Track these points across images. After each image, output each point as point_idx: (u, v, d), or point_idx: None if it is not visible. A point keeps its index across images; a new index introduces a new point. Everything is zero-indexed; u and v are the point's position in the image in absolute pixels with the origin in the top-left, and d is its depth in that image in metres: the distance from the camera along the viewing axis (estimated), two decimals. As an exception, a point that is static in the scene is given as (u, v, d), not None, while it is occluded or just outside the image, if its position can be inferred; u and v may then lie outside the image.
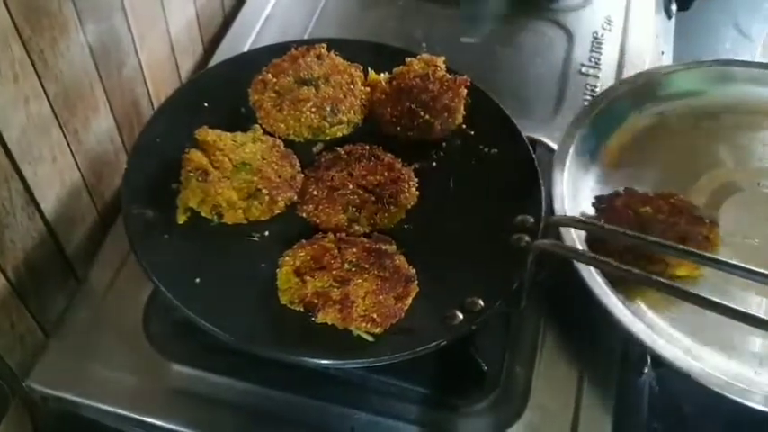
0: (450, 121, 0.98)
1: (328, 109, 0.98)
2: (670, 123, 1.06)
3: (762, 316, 0.66)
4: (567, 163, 0.97)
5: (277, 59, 1.02)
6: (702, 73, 1.08)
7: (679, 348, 0.82)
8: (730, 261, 0.69)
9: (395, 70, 1.01)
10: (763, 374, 0.82)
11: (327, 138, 0.99)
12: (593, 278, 0.84)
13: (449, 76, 0.99)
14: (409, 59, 1.02)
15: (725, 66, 1.09)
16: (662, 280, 0.68)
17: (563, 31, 1.27)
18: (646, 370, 0.94)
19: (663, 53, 1.25)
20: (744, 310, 0.65)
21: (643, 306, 0.87)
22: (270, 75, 1.00)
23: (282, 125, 0.97)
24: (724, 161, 1.02)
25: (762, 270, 0.68)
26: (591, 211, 0.93)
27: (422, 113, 0.96)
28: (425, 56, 1.02)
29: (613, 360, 0.91)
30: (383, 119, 0.99)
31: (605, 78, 1.18)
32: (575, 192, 0.95)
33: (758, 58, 1.36)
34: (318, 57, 1.03)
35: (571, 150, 0.98)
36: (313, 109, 0.98)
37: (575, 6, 1.31)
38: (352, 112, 1.00)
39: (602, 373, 0.90)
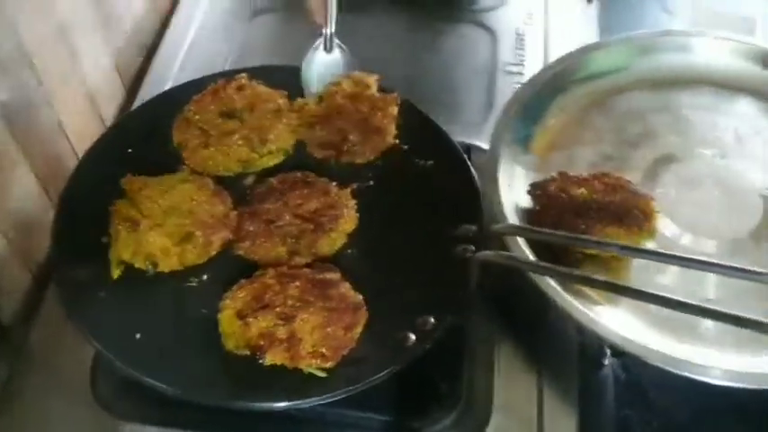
0: (380, 142, 0.96)
1: (256, 139, 0.96)
2: (598, 102, 1.05)
3: (696, 303, 0.66)
4: (501, 158, 0.95)
5: (198, 95, 1.00)
6: (624, 48, 1.08)
7: (632, 334, 0.81)
8: (656, 250, 0.69)
9: (324, 90, 0.99)
10: (716, 351, 0.82)
11: (258, 169, 0.97)
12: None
13: (378, 95, 0.98)
14: (339, 79, 1.00)
15: (646, 38, 1.09)
16: (602, 279, 0.67)
17: (485, 32, 1.26)
18: (606, 361, 0.94)
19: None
20: (684, 300, 0.65)
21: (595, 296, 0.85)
22: (192, 112, 0.98)
23: (210, 162, 0.95)
24: (657, 133, 1.01)
25: (685, 255, 0.69)
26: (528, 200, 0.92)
27: (351, 137, 0.94)
28: (356, 74, 1.00)
29: (571, 354, 0.91)
30: (312, 143, 0.97)
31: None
32: (511, 182, 0.94)
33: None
34: (240, 88, 1.01)
35: (503, 144, 0.96)
36: (240, 141, 0.96)
37: (494, 5, 1.30)
38: (281, 139, 0.98)
39: (562, 369, 0.90)
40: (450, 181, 0.94)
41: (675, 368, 0.78)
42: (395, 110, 0.97)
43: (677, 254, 0.68)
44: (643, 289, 0.66)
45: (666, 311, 0.77)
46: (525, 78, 1.17)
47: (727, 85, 1.06)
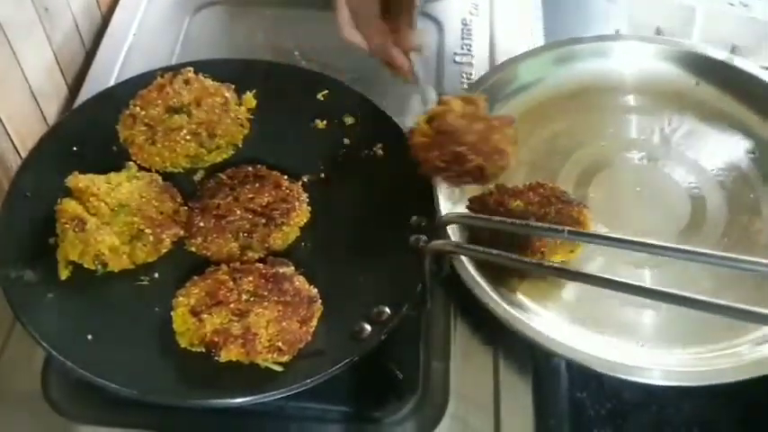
0: (501, 164, 0.88)
1: (204, 134, 0.95)
2: (529, 114, 1.05)
3: (647, 285, 0.67)
4: None
5: (143, 90, 0.98)
6: (544, 58, 1.08)
7: (562, 336, 0.82)
8: (599, 233, 0.71)
9: (433, 110, 0.92)
10: (648, 347, 0.84)
11: (207, 164, 0.96)
12: (474, 279, 0.84)
13: (494, 116, 0.92)
14: (447, 98, 0.93)
15: (563, 46, 1.09)
16: (555, 265, 0.68)
17: (432, 22, 1.26)
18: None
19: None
20: (632, 282, 0.67)
21: (522, 297, 0.87)
22: (138, 107, 0.96)
23: (158, 158, 0.94)
24: (585, 140, 1.02)
25: (629, 237, 0.70)
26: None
27: (471, 157, 0.86)
28: (466, 95, 0.95)
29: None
30: (429, 164, 0.88)
31: (479, 65, 1.18)
32: (452, 196, 0.94)
33: (625, 26, 1.39)
34: (186, 82, 0.99)
35: None
36: (188, 137, 0.94)
37: (440, -4, 1.31)
38: (229, 133, 0.97)
39: (516, 354, 0.90)
40: (402, 171, 0.94)
41: (605, 369, 0.79)
42: (511, 131, 0.90)
43: (626, 237, 0.69)
44: (590, 273, 0.67)
45: (592, 308, 0.79)
46: (472, 68, 1.19)
47: (649, 89, 1.07)
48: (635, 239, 0.70)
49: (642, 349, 0.83)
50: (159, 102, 0.96)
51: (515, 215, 0.86)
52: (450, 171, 0.86)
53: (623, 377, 0.77)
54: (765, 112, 1.02)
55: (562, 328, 0.84)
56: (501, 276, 0.86)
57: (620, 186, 0.97)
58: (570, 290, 0.87)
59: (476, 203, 0.90)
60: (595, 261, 0.89)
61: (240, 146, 0.98)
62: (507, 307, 0.81)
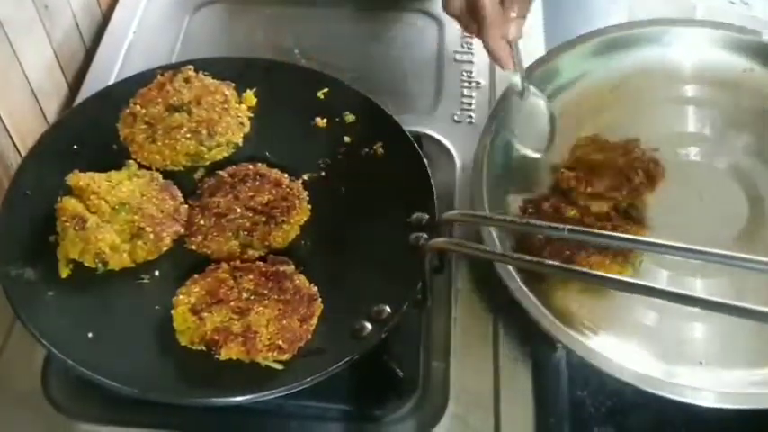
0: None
1: (204, 133, 0.95)
2: (572, 109, 1.00)
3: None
4: (485, 173, 0.92)
5: (143, 89, 0.98)
6: (586, 50, 1.03)
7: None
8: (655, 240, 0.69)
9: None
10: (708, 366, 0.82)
11: (208, 162, 0.96)
12: (509, 274, 0.82)
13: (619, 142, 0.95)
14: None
15: (604, 35, 1.03)
16: (556, 264, 0.68)
17: (432, 20, 1.26)
18: (560, 343, 0.96)
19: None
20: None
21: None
22: (138, 106, 0.96)
23: (158, 156, 0.94)
24: (637, 136, 0.97)
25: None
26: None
27: (634, 177, 0.90)
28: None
29: (526, 337, 0.92)
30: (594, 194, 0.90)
31: (480, 63, 1.18)
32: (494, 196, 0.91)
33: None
34: (187, 80, 0.99)
35: (485, 159, 0.93)
36: (188, 135, 0.94)
37: (440, -7, 1.30)
38: (229, 132, 0.97)
39: (516, 352, 0.90)
40: (402, 170, 0.94)
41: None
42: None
43: (634, 237, 0.69)
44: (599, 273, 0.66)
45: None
46: (473, 66, 1.18)
47: (703, 78, 1.02)
48: (643, 239, 0.70)
49: (701, 368, 0.81)
50: (159, 100, 0.96)
51: (570, 224, 0.84)
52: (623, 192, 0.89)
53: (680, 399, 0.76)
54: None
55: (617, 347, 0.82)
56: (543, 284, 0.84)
57: (676, 188, 0.93)
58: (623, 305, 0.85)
59: (530, 206, 0.90)
60: (644, 274, 0.86)
61: (240, 144, 0.98)
62: (558, 323, 0.80)
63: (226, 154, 0.97)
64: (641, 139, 0.95)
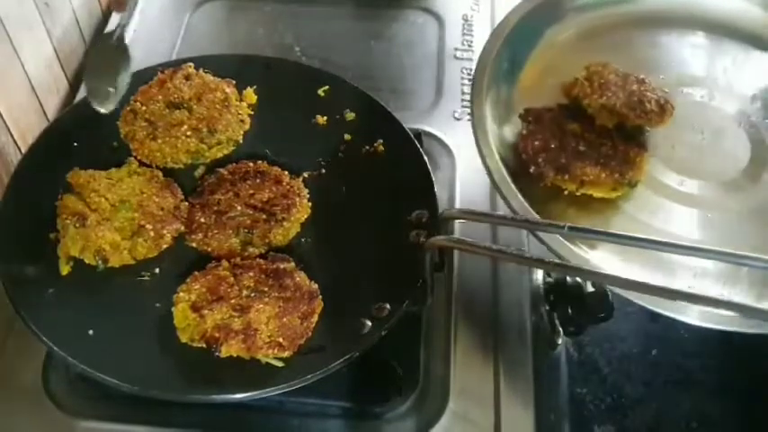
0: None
1: (205, 130, 0.95)
2: (587, 35, 1.01)
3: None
4: (485, 89, 0.92)
5: (144, 86, 0.98)
6: None
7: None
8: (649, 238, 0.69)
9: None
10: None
11: (208, 160, 0.96)
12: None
13: None
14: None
15: None
16: (556, 261, 0.68)
17: (433, 18, 1.26)
18: (559, 341, 0.96)
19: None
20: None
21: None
22: (138, 103, 0.96)
23: (159, 154, 0.94)
24: (645, 72, 0.96)
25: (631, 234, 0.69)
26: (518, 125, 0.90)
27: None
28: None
29: (526, 335, 0.92)
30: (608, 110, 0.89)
31: (480, 60, 1.18)
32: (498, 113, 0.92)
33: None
34: (187, 77, 0.99)
35: (487, 73, 0.93)
36: (188, 132, 0.94)
37: (441, -9, 1.31)
38: (230, 129, 0.97)
39: (517, 350, 0.91)
40: (402, 167, 0.94)
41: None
42: None
43: (643, 236, 0.69)
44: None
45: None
46: (473, 64, 1.18)
47: (719, 25, 1.03)
48: (638, 236, 0.70)
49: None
50: (160, 97, 0.96)
51: (568, 137, 0.85)
52: (635, 112, 0.88)
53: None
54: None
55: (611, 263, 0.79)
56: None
57: (678, 124, 0.92)
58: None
59: (531, 114, 0.89)
60: (635, 204, 0.86)
61: (241, 142, 0.97)
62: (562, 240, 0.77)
63: (226, 151, 0.96)
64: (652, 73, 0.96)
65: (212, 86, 0.99)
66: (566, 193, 0.84)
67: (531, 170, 0.83)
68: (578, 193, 0.84)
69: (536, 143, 0.85)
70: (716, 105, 0.96)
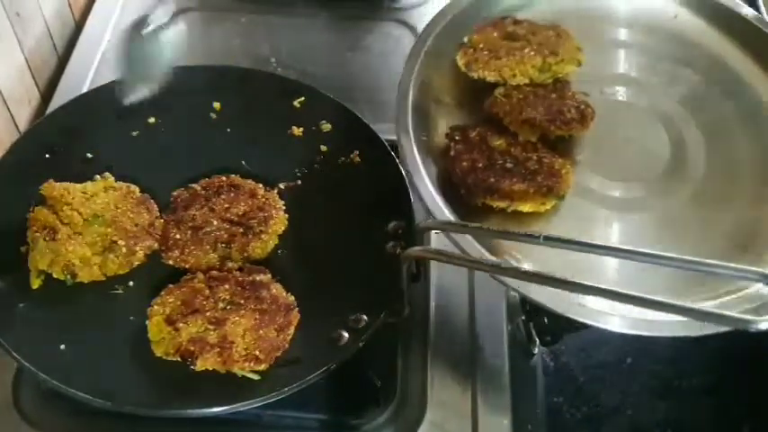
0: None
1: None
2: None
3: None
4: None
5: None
6: None
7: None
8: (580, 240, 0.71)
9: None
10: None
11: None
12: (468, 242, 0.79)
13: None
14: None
15: None
16: (531, 271, 0.68)
17: (408, 30, 1.26)
18: (536, 350, 0.96)
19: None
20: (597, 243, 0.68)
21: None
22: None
23: (135, 169, 0.93)
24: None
25: (601, 243, 0.70)
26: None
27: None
28: None
29: (502, 345, 0.93)
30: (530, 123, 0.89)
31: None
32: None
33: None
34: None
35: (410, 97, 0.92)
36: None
37: (416, 3, 1.31)
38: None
39: (493, 360, 0.91)
40: (379, 178, 0.95)
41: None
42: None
43: (594, 242, 0.70)
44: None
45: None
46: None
47: (636, 22, 1.04)
48: (609, 245, 0.71)
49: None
50: None
51: (494, 154, 0.85)
52: (555, 123, 0.88)
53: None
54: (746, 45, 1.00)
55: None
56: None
57: (601, 126, 0.91)
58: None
59: (457, 133, 0.88)
60: (566, 213, 0.86)
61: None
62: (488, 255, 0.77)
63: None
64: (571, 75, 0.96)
65: (187, 98, 0.98)
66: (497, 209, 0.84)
67: (462, 192, 0.83)
68: (509, 210, 0.84)
69: (464, 164, 0.85)
70: (635, 104, 0.97)
